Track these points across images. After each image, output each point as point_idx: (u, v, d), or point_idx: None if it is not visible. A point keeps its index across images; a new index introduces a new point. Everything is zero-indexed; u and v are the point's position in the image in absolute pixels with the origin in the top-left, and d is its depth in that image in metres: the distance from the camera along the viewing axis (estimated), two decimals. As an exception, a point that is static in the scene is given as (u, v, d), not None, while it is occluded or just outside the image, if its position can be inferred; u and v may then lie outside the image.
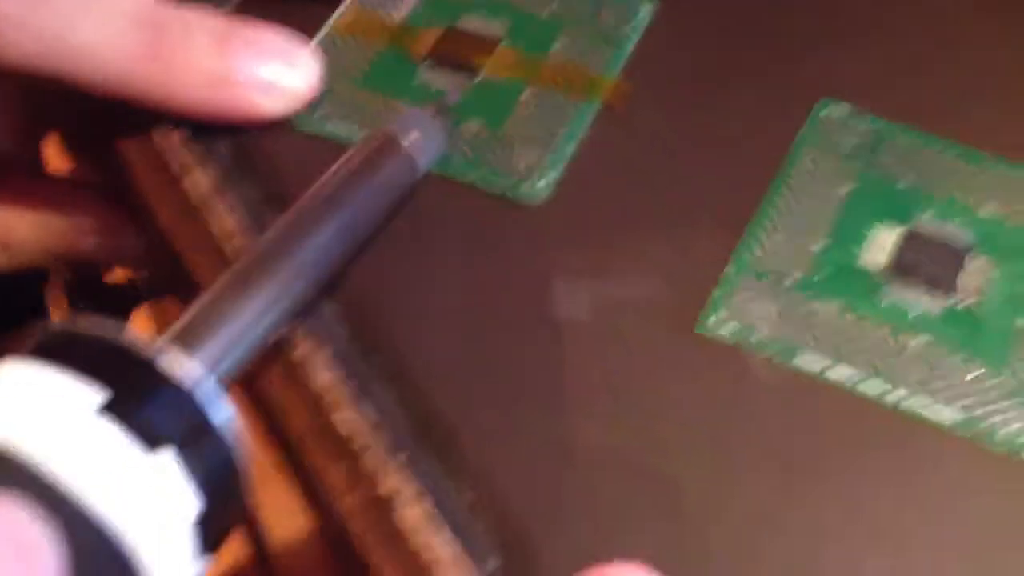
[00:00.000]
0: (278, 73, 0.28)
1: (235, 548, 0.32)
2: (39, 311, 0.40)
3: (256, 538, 0.31)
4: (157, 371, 0.20)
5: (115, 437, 0.18)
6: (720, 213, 0.27)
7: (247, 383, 0.25)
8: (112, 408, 0.18)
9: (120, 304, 0.39)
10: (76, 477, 0.17)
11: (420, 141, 0.26)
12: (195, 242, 0.27)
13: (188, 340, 0.22)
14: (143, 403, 0.19)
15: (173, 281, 0.27)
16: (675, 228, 0.27)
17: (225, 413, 0.21)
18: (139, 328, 0.39)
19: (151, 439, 0.18)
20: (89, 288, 0.39)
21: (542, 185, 0.27)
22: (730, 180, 0.27)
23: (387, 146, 0.26)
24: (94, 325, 0.20)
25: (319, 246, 0.24)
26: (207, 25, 0.28)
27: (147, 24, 0.27)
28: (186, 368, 0.20)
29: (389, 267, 0.26)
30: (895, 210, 0.26)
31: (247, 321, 0.23)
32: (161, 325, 0.38)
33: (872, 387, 0.24)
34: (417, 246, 0.26)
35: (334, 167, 0.26)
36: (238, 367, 0.22)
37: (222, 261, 0.26)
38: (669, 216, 0.27)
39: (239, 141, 0.29)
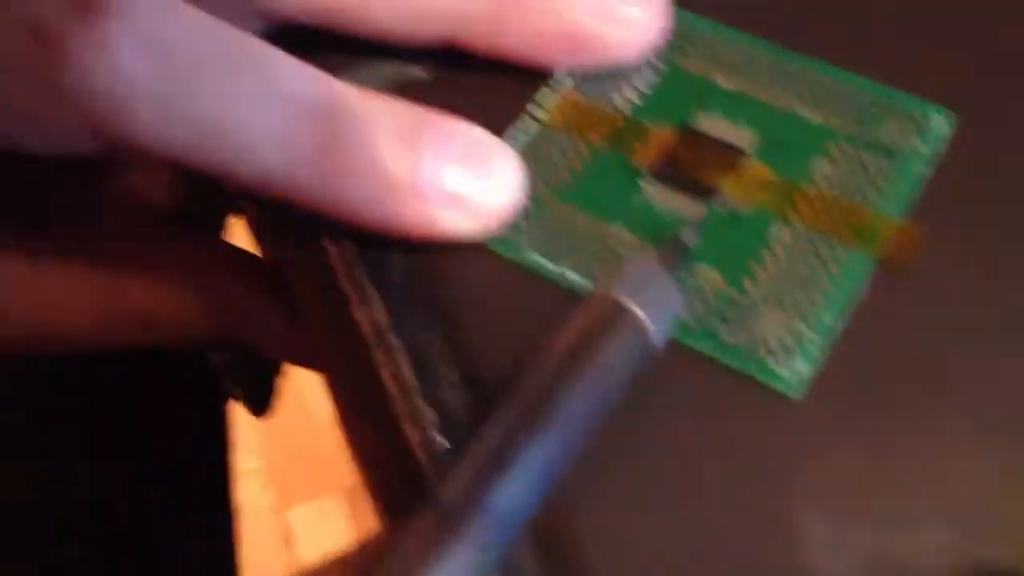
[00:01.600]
0: (471, 185, 0.22)
1: None
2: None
3: None
4: None
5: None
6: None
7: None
8: None
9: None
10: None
11: (655, 307, 0.20)
12: (362, 391, 0.22)
13: None
14: None
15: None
16: (985, 447, 0.20)
17: None
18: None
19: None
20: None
21: (799, 367, 0.21)
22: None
23: (615, 317, 0.20)
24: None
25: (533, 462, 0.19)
26: (392, 117, 0.22)
27: (320, 112, 0.22)
28: None
29: (591, 476, 0.20)
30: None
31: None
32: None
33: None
34: (628, 444, 0.21)
35: (549, 344, 0.20)
36: None
37: (384, 417, 0.21)
38: (975, 427, 0.20)
39: (415, 263, 0.23)
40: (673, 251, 0.22)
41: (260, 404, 0.34)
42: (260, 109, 0.22)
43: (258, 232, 0.26)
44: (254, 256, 0.29)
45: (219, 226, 0.36)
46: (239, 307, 0.28)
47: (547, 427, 0.18)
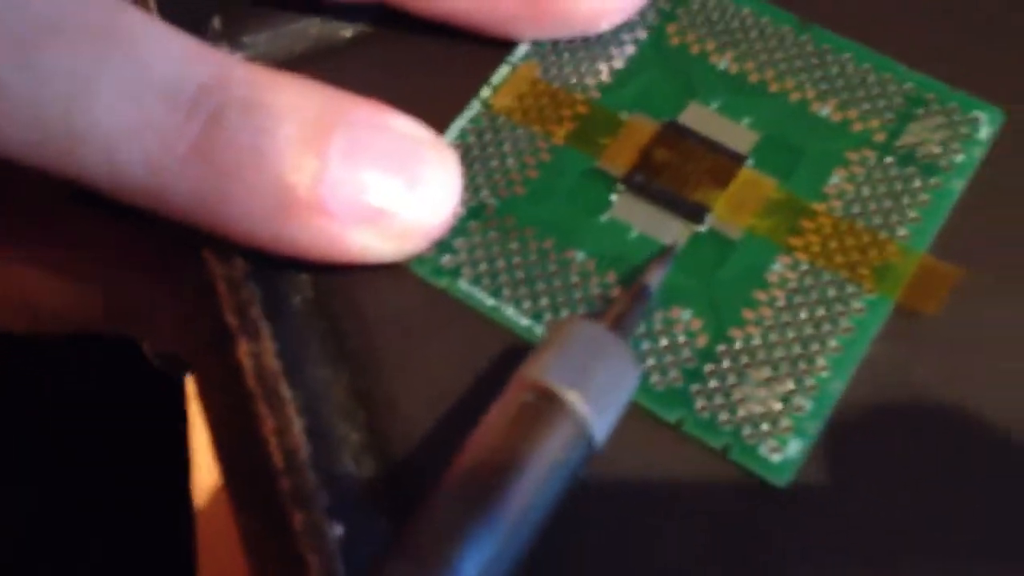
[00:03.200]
0: (393, 197, 0.18)
1: None
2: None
3: None
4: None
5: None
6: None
7: None
8: None
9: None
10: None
11: (599, 395, 0.16)
12: (236, 445, 0.18)
13: None
14: None
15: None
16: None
17: None
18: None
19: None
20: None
21: (791, 451, 0.17)
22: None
23: (545, 413, 0.15)
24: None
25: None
26: (294, 106, 0.18)
27: (194, 100, 0.17)
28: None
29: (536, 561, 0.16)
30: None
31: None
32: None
33: None
34: (585, 523, 0.16)
35: (467, 446, 0.15)
36: None
37: (267, 490, 0.17)
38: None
39: (320, 286, 0.19)
40: (633, 300, 0.17)
41: (176, 368, 0.30)
42: (121, 98, 0.17)
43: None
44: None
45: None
46: (124, 299, 0.24)
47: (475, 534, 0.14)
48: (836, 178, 0.19)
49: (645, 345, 0.17)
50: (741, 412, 0.17)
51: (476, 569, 0.14)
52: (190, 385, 0.38)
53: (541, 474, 0.15)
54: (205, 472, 0.37)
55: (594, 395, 0.15)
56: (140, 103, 0.17)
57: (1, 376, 0.33)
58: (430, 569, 0.14)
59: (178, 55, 0.17)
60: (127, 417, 0.37)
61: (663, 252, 0.18)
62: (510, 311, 0.18)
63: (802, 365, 0.17)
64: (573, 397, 0.15)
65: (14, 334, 0.26)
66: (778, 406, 0.17)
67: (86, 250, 0.24)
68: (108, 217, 0.26)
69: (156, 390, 0.38)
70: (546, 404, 0.15)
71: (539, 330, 0.18)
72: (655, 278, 0.17)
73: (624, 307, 0.17)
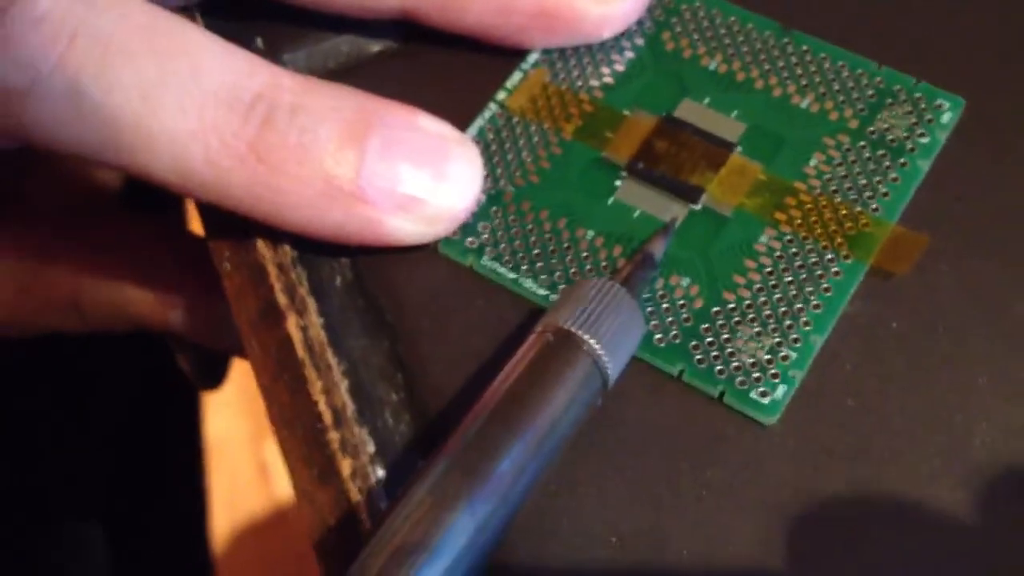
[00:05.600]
0: (423, 186, 0.20)
1: None
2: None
3: None
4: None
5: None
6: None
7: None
8: None
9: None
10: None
11: (609, 337, 0.18)
12: (289, 407, 0.20)
13: None
14: None
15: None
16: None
17: None
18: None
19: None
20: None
21: (778, 394, 0.19)
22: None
23: (563, 349, 0.18)
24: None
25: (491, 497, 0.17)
26: (334, 108, 0.20)
27: (249, 106, 0.20)
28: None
29: (559, 496, 0.18)
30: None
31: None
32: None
33: None
34: (592, 470, 0.18)
35: (494, 383, 0.18)
36: None
37: (316, 444, 0.19)
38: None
39: (359, 268, 0.21)
40: (639, 266, 0.19)
41: (210, 379, 0.32)
42: (182, 103, 0.19)
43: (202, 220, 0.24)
44: (197, 242, 0.27)
45: (171, 208, 0.34)
46: (170, 295, 0.26)
47: (484, 491, 0.16)
48: (815, 161, 0.21)
49: (649, 308, 0.20)
50: (734, 363, 0.19)
51: (511, 471, 0.16)
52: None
53: (561, 401, 0.17)
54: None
55: (606, 337, 0.18)
56: (202, 109, 0.19)
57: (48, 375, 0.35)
58: (477, 472, 0.16)
59: (234, 67, 0.20)
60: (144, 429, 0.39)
61: (665, 226, 0.20)
62: (528, 283, 0.20)
63: (787, 322, 0.19)
64: (588, 337, 0.17)
65: (65, 334, 0.28)
66: (766, 357, 0.19)
67: (131, 252, 0.27)
68: (150, 220, 0.29)
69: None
70: (565, 344, 0.17)
71: (555, 299, 0.20)
72: (658, 247, 0.20)
73: (632, 269, 0.19)
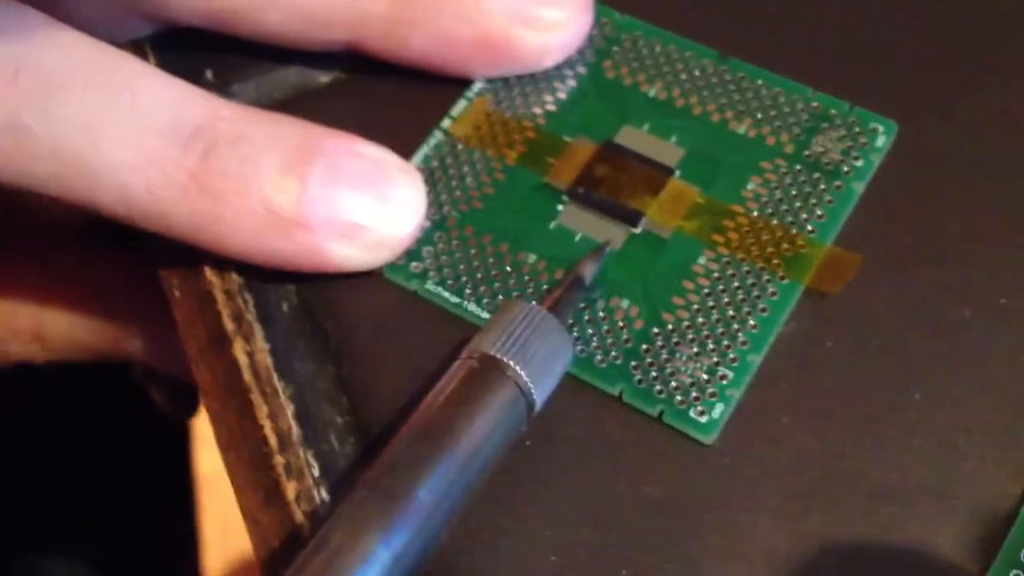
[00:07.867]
0: (366, 213, 0.20)
1: None
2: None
3: None
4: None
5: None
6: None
7: None
8: None
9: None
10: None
11: (535, 362, 0.18)
12: (237, 431, 0.20)
13: None
14: None
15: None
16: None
17: None
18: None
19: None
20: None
21: (715, 413, 0.19)
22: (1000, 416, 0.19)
23: (487, 375, 0.18)
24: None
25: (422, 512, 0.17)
26: (275, 137, 0.20)
27: (189, 137, 0.20)
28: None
29: (498, 515, 0.18)
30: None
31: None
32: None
33: None
34: (533, 489, 0.19)
35: (421, 408, 0.18)
36: None
37: (263, 467, 0.19)
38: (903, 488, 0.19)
39: (305, 293, 0.21)
40: (568, 289, 0.20)
41: (183, 409, 0.32)
42: (123, 136, 0.20)
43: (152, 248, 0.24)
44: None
45: (134, 238, 0.34)
46: (132, 325, 0.26)
47: (402, 519, 0.16)
48: (752, 184, 0.21)
49: (590, 330, 0.20)
50: (673, 383, 0.19)
51: (431, 497, 0.16)
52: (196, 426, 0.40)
53: (485, 426, 0.17)
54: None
55: (532, 362, 0.18)
56: (142, 141, 0.20)
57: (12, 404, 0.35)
58: (394, 498, 0.16)
59: (174, 99, 0.20)
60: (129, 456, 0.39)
61: (595, 249, 0.21)
62: (472, 307, 0.21)
63: (725, 341, 0.20)
64: (512, 363, 0.18)
65: (29, 364, 0.28)
66: (704, 376, 0.19)
67: (92, 284, 0.27)
68: (112, 252, 0.29)
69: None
70: (489, 369, 0.18)
71: (495, 322, 0.20)
72: (588, 270, 0.20)
73: (560, 293, 0.19)
